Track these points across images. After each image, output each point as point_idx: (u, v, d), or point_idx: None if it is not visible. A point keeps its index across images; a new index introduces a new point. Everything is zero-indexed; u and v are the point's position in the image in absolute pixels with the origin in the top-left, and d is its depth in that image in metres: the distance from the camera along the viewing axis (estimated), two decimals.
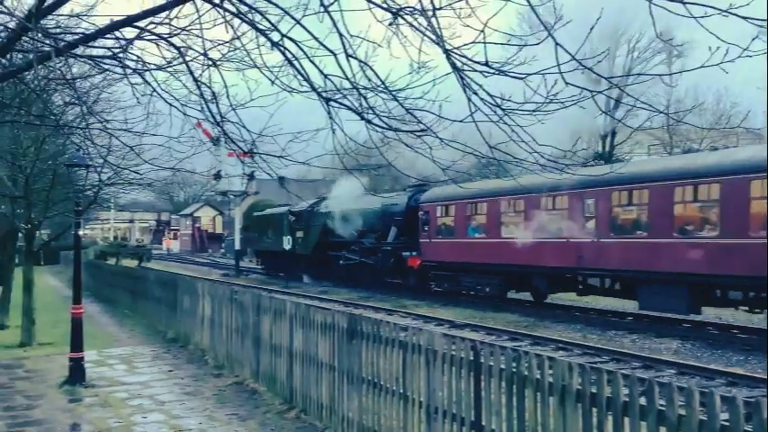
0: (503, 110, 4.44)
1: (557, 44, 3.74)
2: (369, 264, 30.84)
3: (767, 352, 13.87)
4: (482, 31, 4.01)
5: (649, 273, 17.82)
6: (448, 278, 26.15)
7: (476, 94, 4.36)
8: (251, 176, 44.12)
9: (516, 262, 22.24)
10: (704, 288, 16.89)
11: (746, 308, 16.63)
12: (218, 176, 44.98)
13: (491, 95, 4.31)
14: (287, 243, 38.09)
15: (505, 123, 4.47)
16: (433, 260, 26.77)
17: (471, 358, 6.15)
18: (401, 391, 7.11)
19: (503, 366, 5.77)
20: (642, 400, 4.55)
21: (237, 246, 46.77)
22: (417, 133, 5.11)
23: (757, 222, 15.31)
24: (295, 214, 37.36)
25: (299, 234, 36.85)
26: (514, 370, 5.65)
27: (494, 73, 4.24)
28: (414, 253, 27.81)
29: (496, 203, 23.48)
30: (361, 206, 30.22)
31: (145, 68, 5.37)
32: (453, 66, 4.30)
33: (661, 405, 4.43)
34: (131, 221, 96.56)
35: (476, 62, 4.24)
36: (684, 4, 3.54)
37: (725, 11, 3.48)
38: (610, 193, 19.00)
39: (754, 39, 3.62)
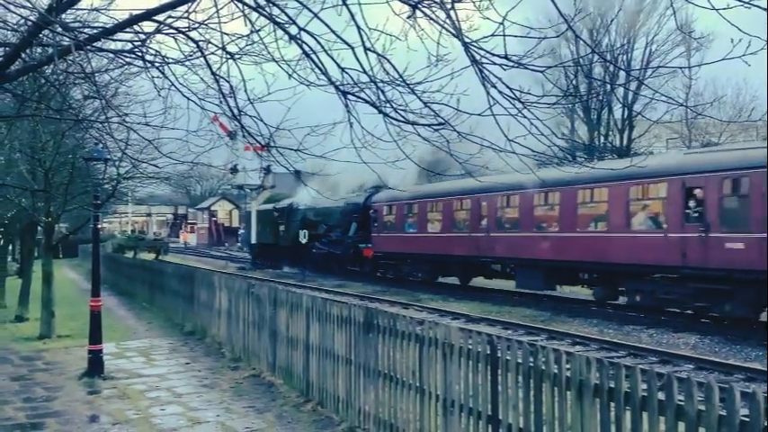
0: (522, 103, 4.41)
1: (577, 36, 3.71)
2: (335, 254, 35.94)
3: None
4: (501, 23, 3.99)
5: (521, 259, 23.15)
6: (392, 266, 31.58)
7: (494, 87, 4.34)
8: (267, 170, 44.22)
9: (439, 252, 27.83)
10: (554, 271, 22.07)
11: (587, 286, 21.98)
12: (234, 170, 45.20)
13: (511, 89, 4.28)
14: (272, 236, 43.16)
15: (524, 117, 4.45)
16: (381, 251, 31.98)
17: (488, 352, 6.14)
18: (418, 384, 7.11)
19: (520, 360, 5.76)
20: (661, 395, 4.52)
21: (253, 239, 46.94)
22: (435, 127, 5.09)
23: (583, 221, 20.59)
24: (278, 211, 42.28)
25: (282, 228, 41.67)
26: (532, 364, 5.64)
27: (513, 66, 4.22)
28: (368, 245, 32.85)
29: (424, 204, 29.25)
30: (330, 204, 34.81)
31: (165, 62, 5.39)
32: (472, 59, 4.28)
33: (680, 400, 4.40)
34: (149, 215, 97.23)
35: (495, 55, 4.22)
36: None
37: (748, 2, 3.44)
38: (495, 198, 24.20)
39: None
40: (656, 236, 18.10)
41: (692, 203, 17.26)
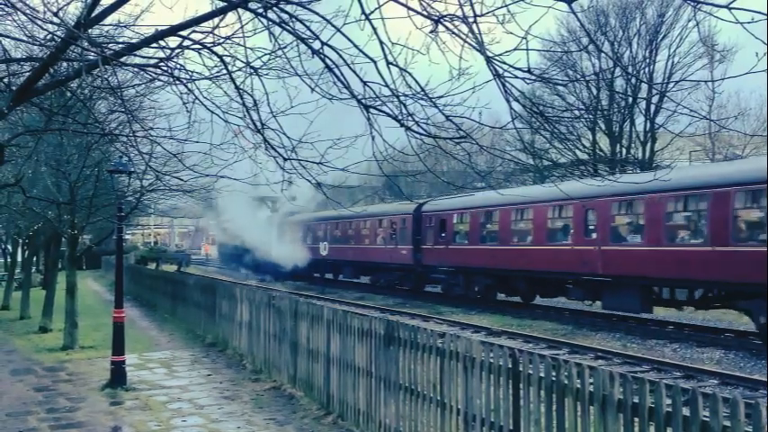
0: (544, 117, 4.41)
1: (599, 50, 3.71)
2: None
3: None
4: (524, 37, 4.00)
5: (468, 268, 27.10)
6: (332, 271, 39.63)
7: (517, 101, 4.35)
8: (289, 183, 44.46)
9: (372, 260, 34.20)
10: (495, 278, 25.85)
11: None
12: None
13: (534, 103, 4.28)
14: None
15: (546, 130, 4.44)
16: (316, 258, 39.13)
17: (510, 366, 6.11)
18: (438, 398, 7.09)
19: (542, 374, 5.72)
20: (685, 411, 4.48)
21: (274, 252, 47.04)
22: (457, 140, 5.10)
23: (511, 235, 24.75)
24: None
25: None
26: (554, 378, 5.60)
27: (536, 80, 4.23)
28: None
29: (348, 223, 36.52)
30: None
31: (191, 79, 5.46)
32: (495, 73, 4.29)
33: (705, 416, 4.35)
34: (171, 227, 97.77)
35: (518, 69, 4.23)
36: (730, 9, 3.49)
37: None
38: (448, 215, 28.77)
39: None
40: (565, 248, 21.88)
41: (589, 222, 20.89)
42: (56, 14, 4.89)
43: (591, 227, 20.93)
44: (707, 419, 4.30)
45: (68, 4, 5.58)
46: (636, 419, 4.83)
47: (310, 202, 33.45)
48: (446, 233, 28.47)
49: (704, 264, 17.05)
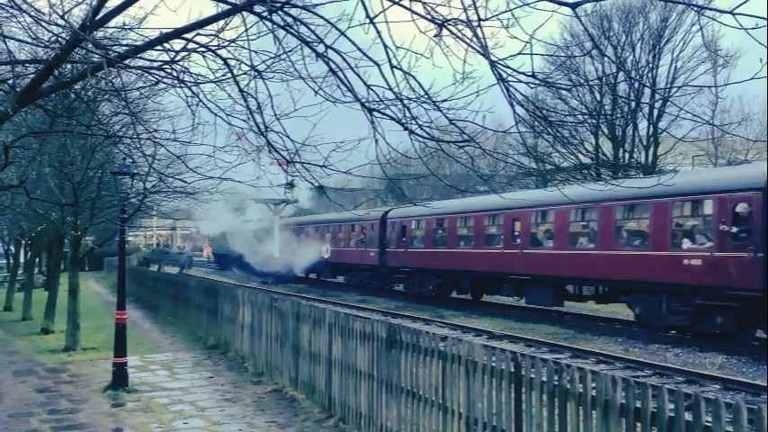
0: (548, 121, 4.42)
1: (603, 54, 3.71)
2: None
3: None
4: (528, 42, 4.01)
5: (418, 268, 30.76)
6: (314, 271, 41.93)
7: (520, 104, 4.35)
8: (290, 185, 44.78)
9: (345, 261, 37.58)
10: (445, 277, 29.03)
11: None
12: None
13: (537, 107, 4.29)
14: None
15: (549, 134, 4.45)
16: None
17: (512, 370, 6.11)
18: (440, 401, 7.09)
19: (544, 379, 5.72)
20: (688, 416, 4.47)
21: (276, 254, 47.07)
22: (460, 143, 5.10)
23: (457, 240, 28.15)
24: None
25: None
26: (556, 383, 5.60)
27: (539, 84, 4.23)
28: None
29: (327, 227, 40.38)
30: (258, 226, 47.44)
31: (196, 82, 5.47)
32: (499, 77, 4.29)
33: (707, 421, 4.35)
34: (173, 229, 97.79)
35: (521, 73, 4.23)
36: (734, 14, 3.50)
37: None
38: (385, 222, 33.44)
39: None
40: (497, 251, 25.49)
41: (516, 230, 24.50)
42: (62, 17, 4.90)
43: (516, 234, 24.57)
44: (709, 424, 4.30)
45: (76, 6, 5.60)
46: (638, 424, 4.83)
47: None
48: (406, 238, 32.04)
49: (595, 265, 20.56)
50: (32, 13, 5.17)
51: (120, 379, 11.89)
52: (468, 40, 4.31)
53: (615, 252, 19.89)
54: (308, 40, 4.90)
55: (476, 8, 4.27)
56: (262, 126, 5.78)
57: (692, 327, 17.50)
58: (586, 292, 22.41)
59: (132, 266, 39.21)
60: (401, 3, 4.60)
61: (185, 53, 5.29)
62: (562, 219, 22.11)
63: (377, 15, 4.56)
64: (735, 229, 16.53)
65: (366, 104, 5.18)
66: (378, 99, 5.21)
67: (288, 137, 5.86)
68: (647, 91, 36.28)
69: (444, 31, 4.41)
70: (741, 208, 16.59)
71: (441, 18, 4.44)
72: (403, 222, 32.24)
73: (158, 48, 5.50)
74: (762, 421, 3.86)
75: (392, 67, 4.74)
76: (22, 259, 33.17)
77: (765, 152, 32.78)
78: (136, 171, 12.81)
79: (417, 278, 30.96)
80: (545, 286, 22.94)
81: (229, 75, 5.46)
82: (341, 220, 37.23)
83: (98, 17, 4.92)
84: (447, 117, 4.98)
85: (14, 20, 5.91)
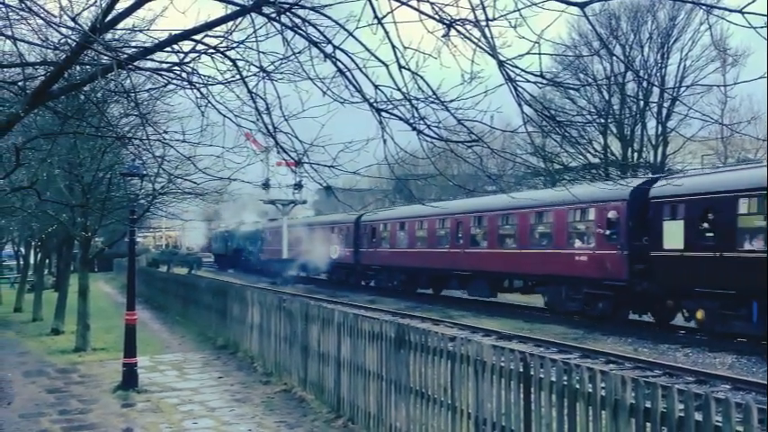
0: (556, 121, 4.41)
1: (611, 54, 3.71)
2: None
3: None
4: (537, 42, 4.01)
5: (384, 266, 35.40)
6: (281, 268, 44.13)
7: (528, 104, 4.35)
8: (298, 186, 44.99)
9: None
10: (406, 274, 33.48)
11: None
12: (266, 185, 45.66)
13: (545, 107, 4.28)
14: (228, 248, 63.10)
15: (558, 134, 4.44)
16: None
17: (521, 370, 6.10)
18: (449, 401, 7.09)
19: (553, 379, 5.71)
20: (698, 416, 4.46)
21: (284, 254, 47.14)
22: (468, 143, 5.10)
23: (415, 241, 32.60)
24: (228, 231, 63.12)
25: (229, 243, 62.51)
26: (565, 383, 5.59)
27: (548, 84, 4.23)
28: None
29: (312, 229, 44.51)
30: (249, 228, 55.44)
31: (205, 84, 5.49)
32: (507, 77, 4.29)
33: (717, 421, 4.33)
34: (182, 229, 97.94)
35: (530, 73, 4.23)
36: (743, 13, 3.49)
37: None
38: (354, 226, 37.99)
39: None
40: (445, 251, 29.76)
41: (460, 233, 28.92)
42: (73, 19, 4.93)
43: (460, 235, 28.91)
44: (720, 424, 4.28)
45: (87, 8, 5.63)
46: (648, 424, 4.81)
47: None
48: (375, 239, 36.38)
49: (518, 262, 24.90)
50: (43, 16, 5.20)
51: (129, 379, 11.93)
52: (476, 40, 4.31)
53: (530, 251, 24.36)
54: (317, 40, 4.91)
55: (484, 8, 4.28)
56: (270, 127, 5.80)
57: (584, 311, 22.02)
58: (516, 284, 26.71)
59: (141, 267, 39.33)
60: (409, 3, 4.61)
61: (194, 55, 5.31)
62: (492, 223, 26.83)
63: (385, 16, 4.57)
64: (608, 232, 20.97)
65: (374, 105, 5.19)
66: (386, 99, 5.22)
67: (296, 137, 5.88)
68: (656, 90, 36.17)
69: (452, 32, 4.42)
70: (611, 215, 20.90)
71: (449, 18, 4.44)
72: (373, 225, 36.50)
73: (167, 49, 5.53)
74: None
75: (400, 67, 4.74)
76: (32, 260, 33.33)
77: (765, 152, 32.68)
78: (145, 172, 12.86)
79: (385, 275, 35.62)
80: (483, 280, 27.38)
81: (238, 76, 5.48)
82: (324, 223, 42.92)
83: (108, 19, 4.95)
84: (455, 117, 4.98)
85: (25, 22, 5.94)
